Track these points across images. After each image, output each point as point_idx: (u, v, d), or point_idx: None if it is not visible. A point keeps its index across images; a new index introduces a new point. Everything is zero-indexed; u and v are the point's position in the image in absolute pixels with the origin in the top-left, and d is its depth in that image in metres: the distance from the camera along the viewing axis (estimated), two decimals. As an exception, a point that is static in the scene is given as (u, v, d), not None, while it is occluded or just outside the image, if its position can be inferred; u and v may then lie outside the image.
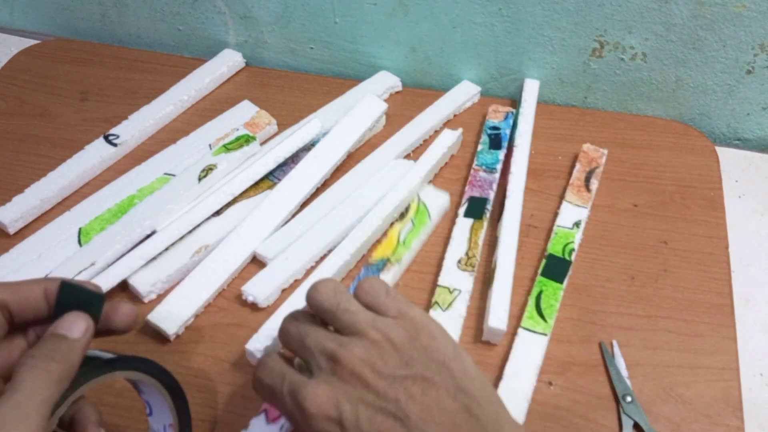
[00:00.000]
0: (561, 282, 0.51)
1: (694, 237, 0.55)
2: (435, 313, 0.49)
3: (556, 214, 0.56)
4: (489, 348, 0.49)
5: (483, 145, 0.61)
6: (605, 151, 0.60)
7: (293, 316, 0.39)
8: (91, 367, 0.33)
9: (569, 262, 0.52)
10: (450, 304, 0.50)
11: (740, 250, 0.56)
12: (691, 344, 0.49)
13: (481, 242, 0.54)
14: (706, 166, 0.60)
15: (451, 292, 0.51)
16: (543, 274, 0.52)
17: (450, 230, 0.55)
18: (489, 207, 0.56)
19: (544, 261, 0.53)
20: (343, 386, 0.34)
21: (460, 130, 0.60)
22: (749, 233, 0.57)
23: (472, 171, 0.59)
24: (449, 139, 0.59)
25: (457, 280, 0.51)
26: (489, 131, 0.62)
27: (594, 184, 0.58)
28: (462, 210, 0.56)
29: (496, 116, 0.63)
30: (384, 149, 0.60)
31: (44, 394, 0.30)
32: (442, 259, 0.53)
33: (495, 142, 0.61)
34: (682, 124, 0.64)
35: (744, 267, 0.55)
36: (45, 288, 0.35)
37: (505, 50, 0.64)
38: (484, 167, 0.59)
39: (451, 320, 0.49)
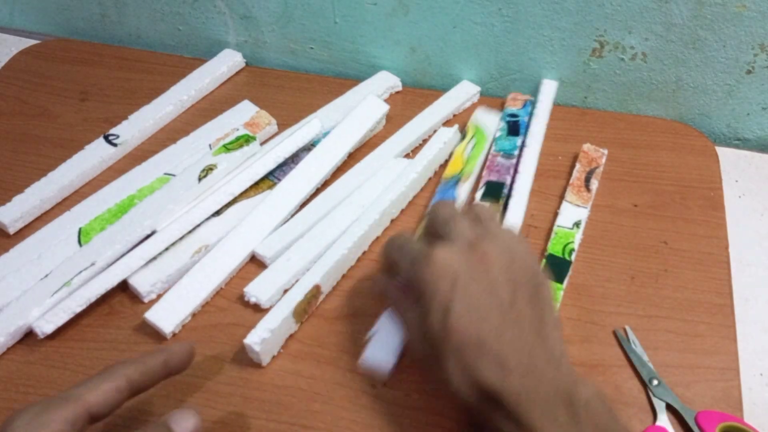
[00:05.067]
0: (561, 282, 0.51)
1: (694, 237, 0.55)
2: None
3: (556, 214, 0.56)
4: (489, 348, 0.49)
5: (501, 131, 0.61)
6: (605, 151, 0.60)
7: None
8: None
9: (569, 262, 0.52)
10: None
11: (740, 250, 0.56)
12: (691, 344, 0.49)
13: (481, 242, 0.54)
14: (706, 166, 0.60)
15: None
16: (543, 274, 0.52)
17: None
18: (506, 191, 0.56)
19: (544, 261, 0.53)
20: (467, 262, 0.39)
21: (456, 126, 0.60)
22: (749, 233, 0.57)
23: (490, 156, 0.59)
24: (445, 135, 0.59)
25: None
26: (507, 118, 0.62)
27: (594, 184, 0.58)
28: (479, 194, 0.56)
29: (514, 104, 0.64)
30: (384, 149, 0.60)
31: None
32: (442, 259, 0.53)
33: (513, 129, 0.61)
34: (682, 124, 0.64)
35: (744, 267, 0.55)
36: (165, 360, 0.39)
37: (505, 50, 0.64)
38: (502, 153, 0.59)
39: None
